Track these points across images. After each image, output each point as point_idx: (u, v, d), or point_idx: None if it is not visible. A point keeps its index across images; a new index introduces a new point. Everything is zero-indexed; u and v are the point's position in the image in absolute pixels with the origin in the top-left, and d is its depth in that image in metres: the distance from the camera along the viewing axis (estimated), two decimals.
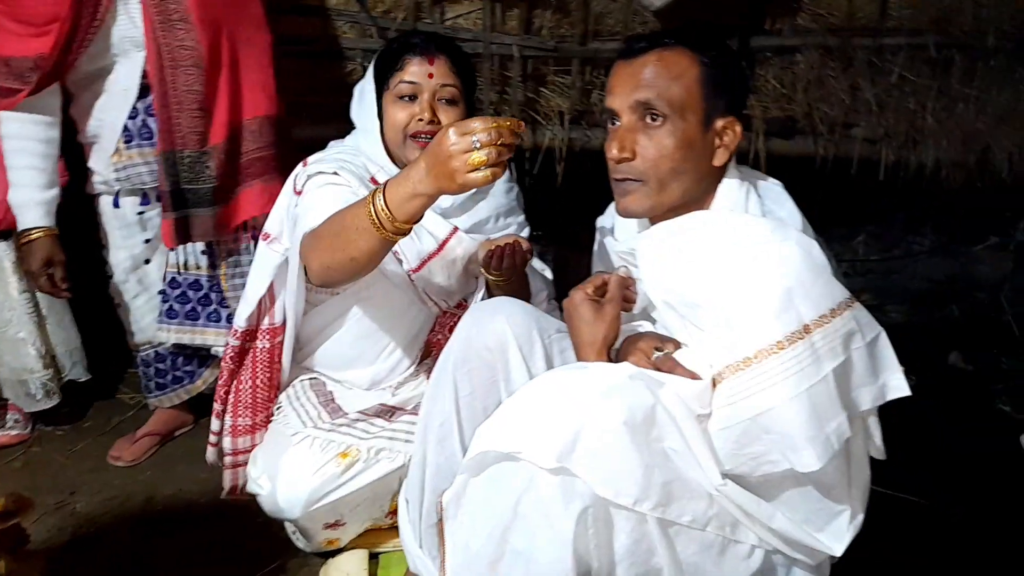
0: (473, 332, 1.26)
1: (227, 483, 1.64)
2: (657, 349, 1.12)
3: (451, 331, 1.33)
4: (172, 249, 1.92)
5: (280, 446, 1.53)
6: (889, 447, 1.14)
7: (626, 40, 1.28)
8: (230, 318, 1.93)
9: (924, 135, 2.72)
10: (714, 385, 1.07)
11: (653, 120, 1.16)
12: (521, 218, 1.74)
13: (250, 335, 1.60)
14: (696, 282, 1.11)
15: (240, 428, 1.60)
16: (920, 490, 1.91)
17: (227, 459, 1.61)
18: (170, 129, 1.77)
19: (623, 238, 1.34)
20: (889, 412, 1.13)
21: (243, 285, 1.75)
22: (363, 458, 1.48)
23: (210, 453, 1.64)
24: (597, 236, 1.51)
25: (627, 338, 1.21)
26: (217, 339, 1.98)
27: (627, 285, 1.24)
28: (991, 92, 2.70)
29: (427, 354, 1.71)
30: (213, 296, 1.97)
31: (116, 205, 1.92)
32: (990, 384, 2.56)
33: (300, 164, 1.58)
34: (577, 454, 0.96)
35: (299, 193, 1.51)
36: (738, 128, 1.17)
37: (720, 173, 1.21)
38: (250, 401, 1.61)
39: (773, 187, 1.23)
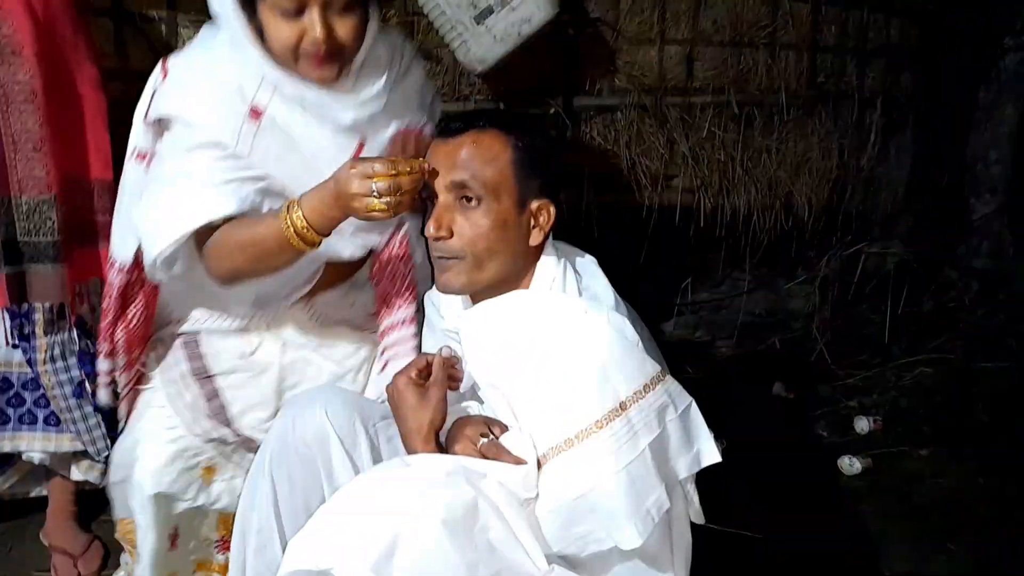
0: (289, 427, 1.20)
1: (123, 412, 1.56)
2: (483, 435, 1.11)
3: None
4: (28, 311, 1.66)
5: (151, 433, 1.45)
6: (721, 481, 1.17)
7: (441, 120, 1.28)
8: (49, 419, 1.73)
9: (735, 184, 2.94)
10: (539, 466, 1.07)
11: (468, 201, 1.17)
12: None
13: (137, 268, 1.45)
14: (516, 364, 1.12)
15: (135, 360, 1.52)
16: (754, 523, 2.02)
17: (123, 391, 1.53)
18: (3, 172, 1.59)
19: (448, 315, 1.33)
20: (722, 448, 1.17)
21: (69, 380, 1.66)
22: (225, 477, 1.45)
23: (103, 395, 1.56)
24: (426, 312, 1.49)
25: (456, 422, 1.19)
26: (31, 444, 1.74)
27: (451, 364, 1.23)
28: (788, 144, 2.97)
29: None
30: (26, 395, 1.73)
31: None
32: (809, 411, 2.76)
33: (159, 69, 1.39)
34: (396, 562, 0.92)
35: (156, 126, 1.34)
36: (552, 210, 1.21)
37: (538, 251, 1.23)
38: (144, 333, 1.52)
39: (588, 263, 1.27)
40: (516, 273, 1.22)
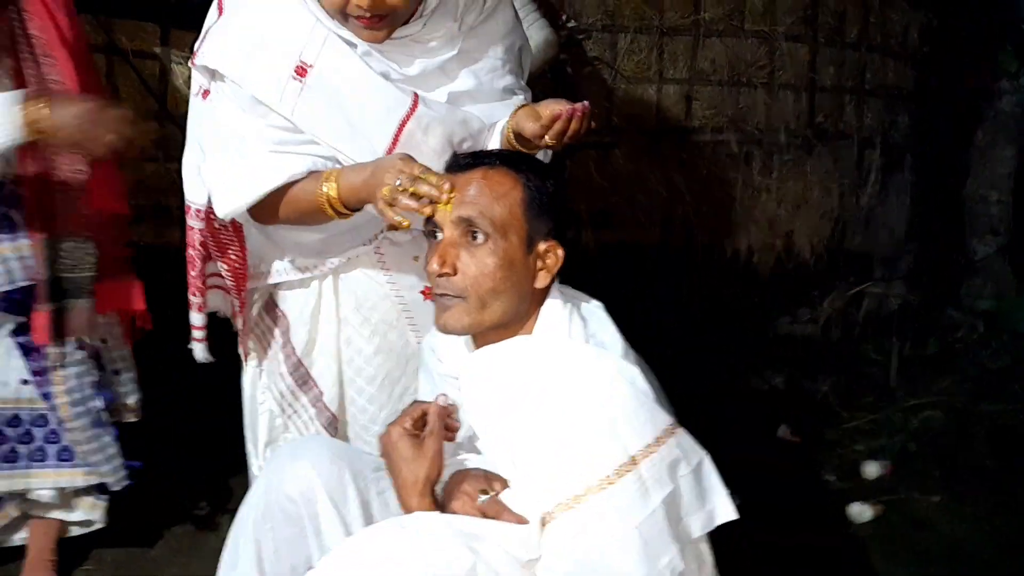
0: (273, 482, 1.12)
1: (244, 354, 1.54)
2: (483, 492, 1.04)
3: None
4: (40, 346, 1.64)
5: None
6: (732, 533, 1.11)
7: (452, 155, 1.24)
8: (62, 454, 1.70)
9: (734, 223, 2.91)
10: (543, 524, 1.00)
11: (475, 238, 1.12)
12: (523, 95, 1.40)
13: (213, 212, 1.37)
14: (520, 413, 1.05)
15: (244, 299, 1.46)
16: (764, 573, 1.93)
17: (242, 333, 1.50)
18: (50, 211, 1.60)
19: (448, 359, 1.26)
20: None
21: (87, 412, 1.65)
22: None
23: (200, 350, 1.50)
24: (423, 356, 1.42)
25: (453, 476, 1.12)
26: (43, 481, 1.70)
27: (448, 414, 1.16)
28: (788, 183, 2.95)
29: None
30: (36, 432, 1.70)
31: None
32: (815, 455, 2.68)
33: (215, 4, 1.32)
34: None
35: (207, 70, 1.29)
36: (560, 252, 1.16)
37: (543, 294, 1.18)
38: (243, 271, 1.45)
39: (595, 309, 1.21)
40: (520, 316, 1.16)
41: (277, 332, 1.47)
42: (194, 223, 1.41)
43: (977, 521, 2.27)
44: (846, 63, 3.01)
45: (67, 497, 1.77)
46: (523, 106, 1.30)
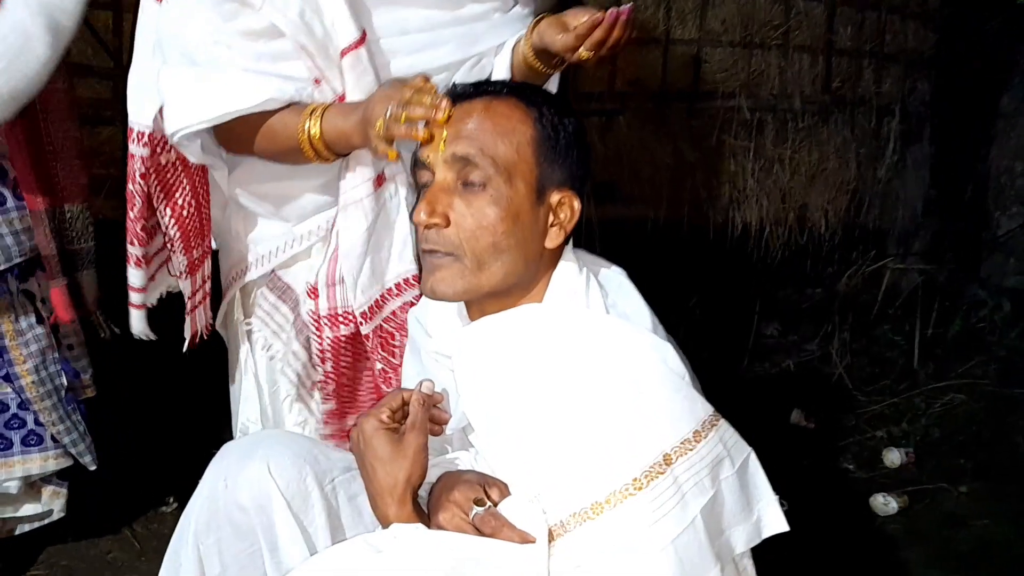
0: (220, 487, 0.93)
1: (188, 331, 1.35)
2: (477, 502, 0.85)
3: None
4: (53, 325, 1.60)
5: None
6: None
7: (452, 85, 1.04)
8: (29, 439, 1.61)
9: (745, 196, 2.76)
10: (552, 538, 0.82)
11: (472, 183, 0.93)
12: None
13: (161, 140, 1.21)
14: (527, 400, 0.88)
15: (196, 262, 1.29)
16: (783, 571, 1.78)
17: (187, 304, 1.33)
18: (51, 182, 1.56)
19: (439, 333, 1.06)
20: None
21: (55, 389, 1.56)
22: None
23: (137, 320, 1.35)
24: (410, 331, 1.22)
25: (440, 480, 0.94)
26: (44, 465, 1.62)
27: (434, 403, 0.96)
28: (802, 153, 2.81)
29: None
30: (26, 416, 1.61)
31: None
32: (833, 442, 2.53)
33: None
34: None
35: None
36: (576, 205, 0.97)
37: (554, 257, 0.99)
38: (198, 225, 1.27)
39: (616, 275, 1.02)
40: (526, 281, 0.97)
41: (286, 308, 1.31)
42: (136, 150, 1.22)
43: (1011, 515, 2.12)
44: (865, 24, 2.87)
45: (34, 489, 1.67)
46: (541, 18, 1.14)
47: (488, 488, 0.87)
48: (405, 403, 0.94)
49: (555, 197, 0.94)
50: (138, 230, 1.26)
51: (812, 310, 3.09)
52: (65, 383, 1.62)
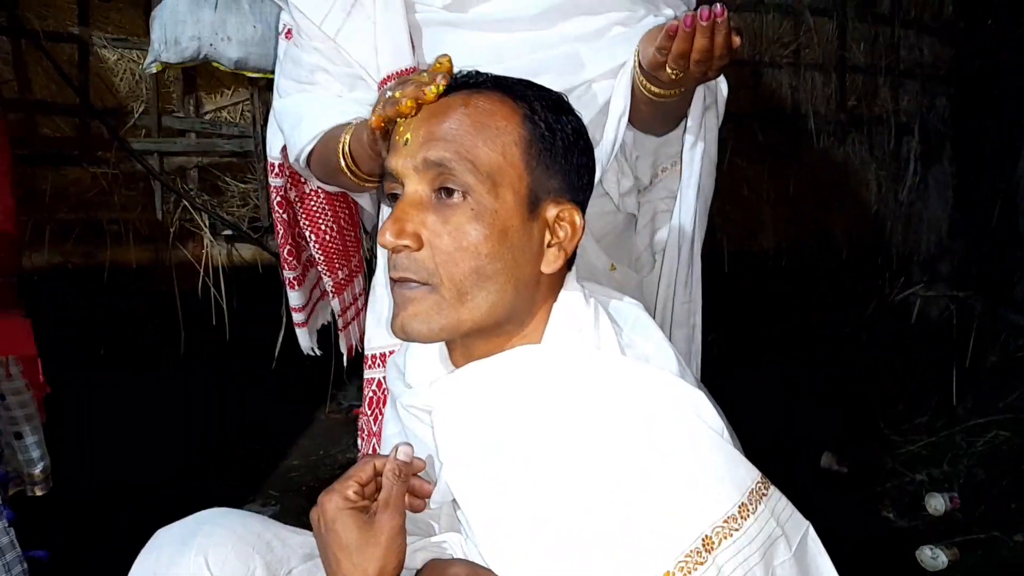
0: None
1: (344, 346, 1.41)
2: None
3: None
4: None
5: None
6: None
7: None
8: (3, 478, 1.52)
9: (762, 222, 2.61)
10: None
11: (449, 194, 0.75)
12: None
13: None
14: (524, 467, 0.70)
15: (342, 282, 1.33)
16: None
17: (339, 321, 1.38)
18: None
19: (418, 383, 0.87)
20: None
21: None
22: None
23: (304, 337, 1.40)
24: (388, 381, 1.03)
25: (424, 570, 0.74)
26: None
27: (414, 471, 0.78)
28: (819, 173, 2.67)
29: None
30: None
31: None
32: (869, 488, 2.36)
33: None
34: None
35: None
36: (578, 220, 0.78)
37: (553, 285, 0.80)
38: (340, 247, 1.32)
39: (631, 307, 0.83)
40: (519, 315, 0.78)
41: None
42: (273, 181, 1.30)
43: None
44: (878, 39, 2.76)
45: None
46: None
47: None
48: (378, 473, 0.76)
49: (551, 211, 0.76)
50: (285, 254, 1.34)
51: (838, 342, 2.92)
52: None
